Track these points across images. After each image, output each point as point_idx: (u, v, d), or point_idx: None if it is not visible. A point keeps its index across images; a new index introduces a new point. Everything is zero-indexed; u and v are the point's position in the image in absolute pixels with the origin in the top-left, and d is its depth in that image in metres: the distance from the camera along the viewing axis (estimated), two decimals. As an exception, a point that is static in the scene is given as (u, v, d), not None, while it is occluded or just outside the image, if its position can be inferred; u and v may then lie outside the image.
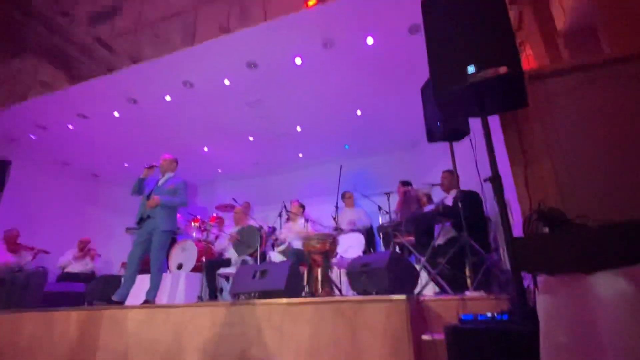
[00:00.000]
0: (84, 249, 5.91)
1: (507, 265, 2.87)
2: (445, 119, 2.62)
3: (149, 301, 3.47)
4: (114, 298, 3.41)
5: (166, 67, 4.27)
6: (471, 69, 1.70)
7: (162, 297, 4.37)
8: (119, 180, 7.19)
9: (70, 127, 5.53)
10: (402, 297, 1.94)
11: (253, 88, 4.70)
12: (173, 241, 5.44)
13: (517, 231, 1.68)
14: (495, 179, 1.50)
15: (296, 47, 3.99)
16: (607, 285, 0.84)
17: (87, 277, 5.61)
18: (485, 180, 1.54)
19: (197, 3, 4.32)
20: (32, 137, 5.79)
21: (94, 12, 5.53)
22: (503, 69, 1.56)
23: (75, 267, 5.77)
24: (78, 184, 7.24)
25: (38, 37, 5.72)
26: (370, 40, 3.87)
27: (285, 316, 2.23)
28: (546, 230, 0.89)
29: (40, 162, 6.53)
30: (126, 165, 6.90)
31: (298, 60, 4.17)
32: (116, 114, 5.23)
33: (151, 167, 3.80)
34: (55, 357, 2.92)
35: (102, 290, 4.35)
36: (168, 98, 4.88)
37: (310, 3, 4.99)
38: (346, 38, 3.84)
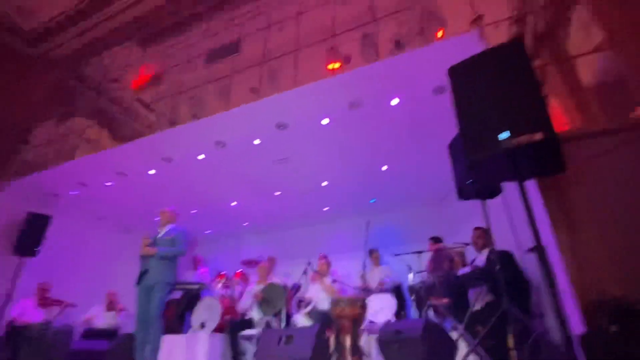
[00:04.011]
0: (112, 302, 5.90)
1: (555, 336, 2.61)
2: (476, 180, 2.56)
3: None
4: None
5: (201, 128, 4.54)
6: (503, 135, 1.69)
7: (180, 358, 4.20)
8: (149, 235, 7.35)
9: (108, 183, 5.82)
10: (443, 375, 1.78)
11: (281, 146, 4.87)
12: (197, 298, 5.35)
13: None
14: (540, 249, 1.41)
15: (324, 109, 4.17)
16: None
17: (112, 334, 5.53)
18: (528, 251, 1.45)
19: (232, 71, 4.69)
20: (73, 193, 6.12)
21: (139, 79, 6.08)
22: (538, 136, 1.54)
23: (101, 321, 5.73)
24: (110, 237, 7.43)
25: (88, 100, 6.30)
26: (395, 101, 3.99)
27: (314, 392, 2.08)
28: (613, 328, 0.81)
29: (77, 216, 6.82)
30: (157, 219, 7.09)
31: (325, 121, 4.33)
32: (152, 171, 5.49)
33: (146, 238, 3.77)
34: None
35: (126, 349, 4.24)
36: (201, 157, 5.11)
37: (331, 67, 5.27)
38: (372, 100, 3.98)
